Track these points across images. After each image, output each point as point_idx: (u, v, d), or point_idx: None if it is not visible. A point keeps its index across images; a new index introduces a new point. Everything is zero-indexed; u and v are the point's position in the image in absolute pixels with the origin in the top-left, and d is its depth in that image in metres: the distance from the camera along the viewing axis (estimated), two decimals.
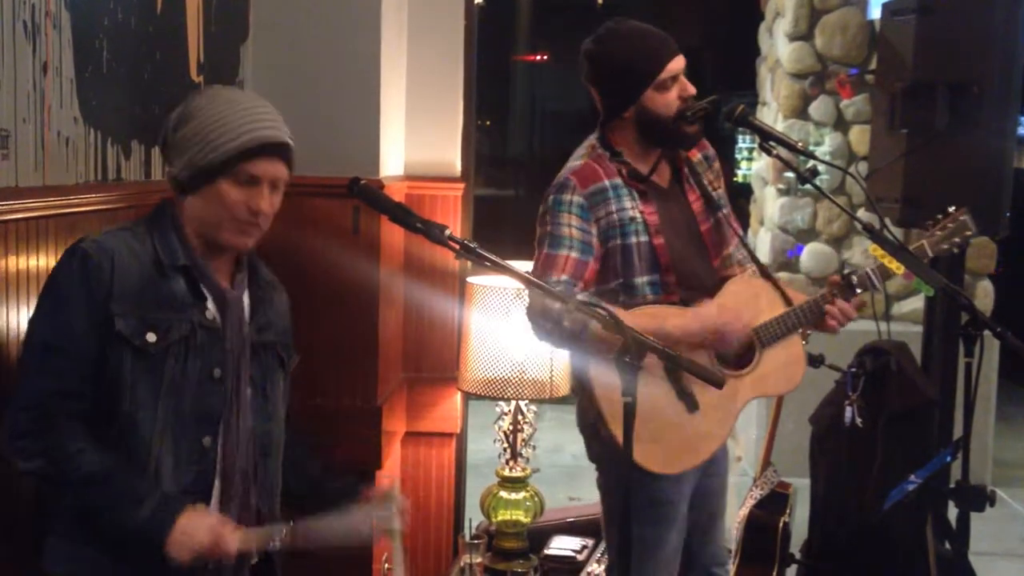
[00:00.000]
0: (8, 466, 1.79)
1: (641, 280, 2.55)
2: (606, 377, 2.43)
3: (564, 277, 2.47)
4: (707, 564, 2.80)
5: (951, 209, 2.70)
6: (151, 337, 1.82)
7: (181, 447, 1.86)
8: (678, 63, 2.55)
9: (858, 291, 2.62)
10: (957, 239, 2.68)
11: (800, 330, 2.64)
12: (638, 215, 2.55)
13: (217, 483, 1.92)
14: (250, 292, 2.02)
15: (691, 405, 2.51)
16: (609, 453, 2.54)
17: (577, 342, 2.42)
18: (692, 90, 2.56)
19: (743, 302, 2.58)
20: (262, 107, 1.92)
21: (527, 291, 2.00)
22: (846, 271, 2.68)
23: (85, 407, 1.81)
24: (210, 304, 1.92)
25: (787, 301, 2.63)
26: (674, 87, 2.55)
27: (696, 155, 2.71)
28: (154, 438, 1.83)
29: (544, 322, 2.41)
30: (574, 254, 2.49)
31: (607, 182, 2.56)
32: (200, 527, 1.80)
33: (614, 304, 2.39)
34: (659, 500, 2.58)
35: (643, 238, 2.55)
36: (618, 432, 2.45)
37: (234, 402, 1.93)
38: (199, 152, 1.86)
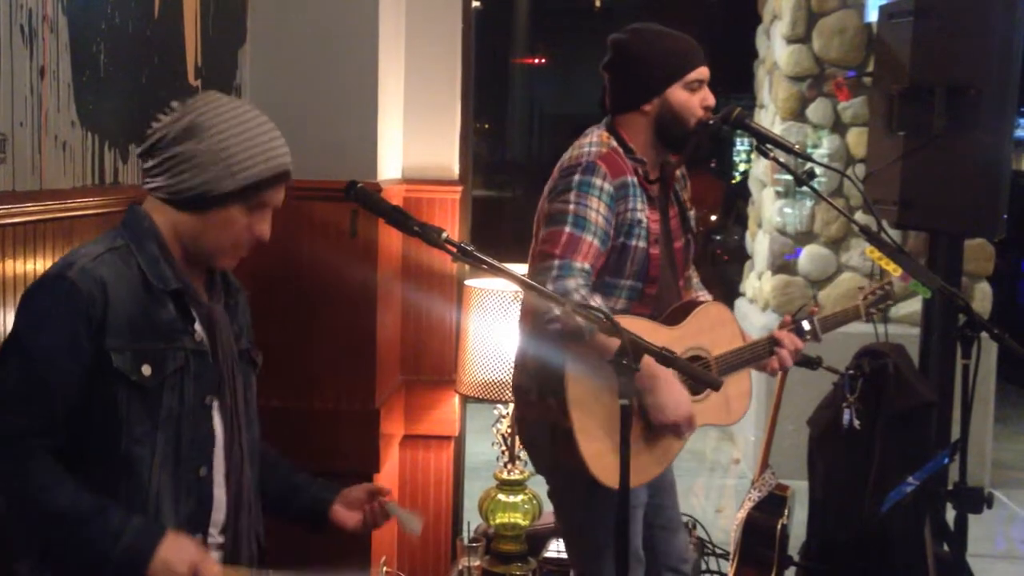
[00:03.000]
0: None
1: (624, 283, 2.53)
2: (582, 385, 2.38)
3: (587, 265, 2.41)
4: (671, 563, 2.78)
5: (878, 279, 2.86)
6: (146, 370, 1.75)
7: (180, 479, 1.80)
8: (704, 71, 2.57)
9: (807, 337, 2.71)
10: (882, 306, 2.85)
11: (752, 365, 2.66)
12: (644, 219, 2.53)
13: (219, 509, 1.86)
14: (225, 303, 1.96)
15: (648, 423, 2.47)
16: (573, 465, 2.40)
17: (578, 342, 2.35)
18: (712, 101, 2.57)
19: (711, 328, 2.60)
20: (272, 130, 1.85)
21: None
22: (796, 316, 2.75)
23: (60, 443, 1.71)
24: (197, 326, 1.85)
25: (742, 335, 2.68)
26: (699, 92, 2.56)
27: (676, 172, 2.70)
28: (153, 473, 1.77)
29: (547, 319, 2.33)
30: (596, 242, 2.43)
31: (629, 178, 2.53)
32: (180, 559, 1.70)
33: None
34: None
35: (642, 243, 2.53)
36: (585, 444, 2.37)
37: (232, 424, 1.88)
38: (214, 176, 1.78)
